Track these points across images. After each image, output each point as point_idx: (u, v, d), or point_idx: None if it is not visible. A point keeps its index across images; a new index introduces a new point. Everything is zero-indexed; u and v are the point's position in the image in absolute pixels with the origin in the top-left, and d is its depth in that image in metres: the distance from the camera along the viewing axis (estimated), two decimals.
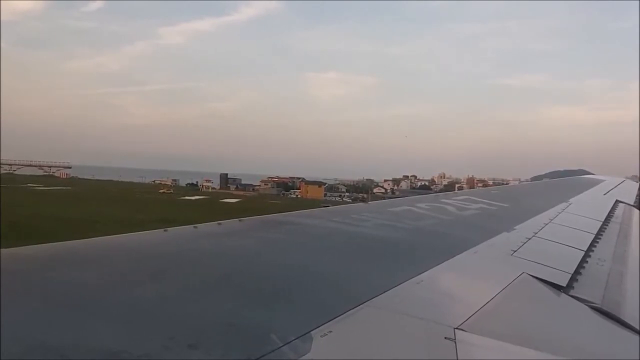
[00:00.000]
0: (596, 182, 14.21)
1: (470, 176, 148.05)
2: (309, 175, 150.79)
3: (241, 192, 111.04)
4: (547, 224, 5.94)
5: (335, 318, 2.05)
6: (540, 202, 8.28)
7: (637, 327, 3.09)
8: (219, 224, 3.59)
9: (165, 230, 3.17)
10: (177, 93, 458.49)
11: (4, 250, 2.26)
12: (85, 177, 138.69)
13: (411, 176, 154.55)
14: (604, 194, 12.07)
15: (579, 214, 7.54)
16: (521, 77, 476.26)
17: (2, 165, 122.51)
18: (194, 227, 3.36)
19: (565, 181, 15.58)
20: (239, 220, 3.82)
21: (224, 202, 77.13)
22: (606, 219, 7.68)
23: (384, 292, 2.52)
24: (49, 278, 2.12)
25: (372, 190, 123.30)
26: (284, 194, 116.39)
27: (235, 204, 72.38)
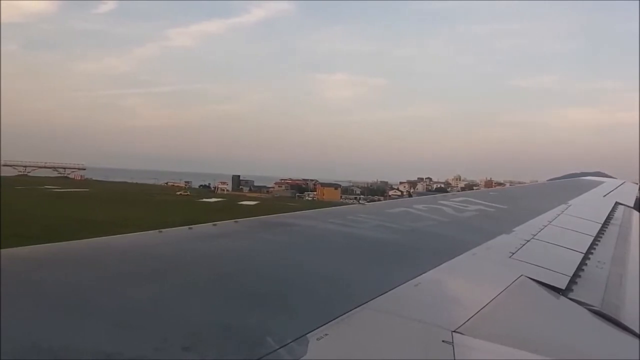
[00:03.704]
0: (596, 184, 14.03)
1: (488, 178, 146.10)
2: (320, 177, 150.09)
3: (256, 194, 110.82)
4: (546, 226, 5.88)
5: (331, 320, 2.04)
6: (540, 203, 8.19)
7: (637, 331, 3.06)
8: (214, 224, 3.57)
9: (160, 232, 3.17)
10: (185, 95, 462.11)
11: (4, 251, 2.26)
12: (97, 178, 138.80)
13: (426, 178, 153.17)
14: (604, 196, 11.92)
15: (578, 216, 7.46)
16: (535, 78, 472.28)
17: (16, 167, 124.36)
18: (189, 228, 3.34)
19: (565, 183, 15.34)
20: (235, 221, 3.79)
21: (243, 204, 75.87)
22: (605, 221, 7.58)
23: (381, 294, 2.50)
24: (47, 278, 2.13)
25: (387, 193, 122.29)
26: (299, 196, 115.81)
27: (255, 207, 70.52)
